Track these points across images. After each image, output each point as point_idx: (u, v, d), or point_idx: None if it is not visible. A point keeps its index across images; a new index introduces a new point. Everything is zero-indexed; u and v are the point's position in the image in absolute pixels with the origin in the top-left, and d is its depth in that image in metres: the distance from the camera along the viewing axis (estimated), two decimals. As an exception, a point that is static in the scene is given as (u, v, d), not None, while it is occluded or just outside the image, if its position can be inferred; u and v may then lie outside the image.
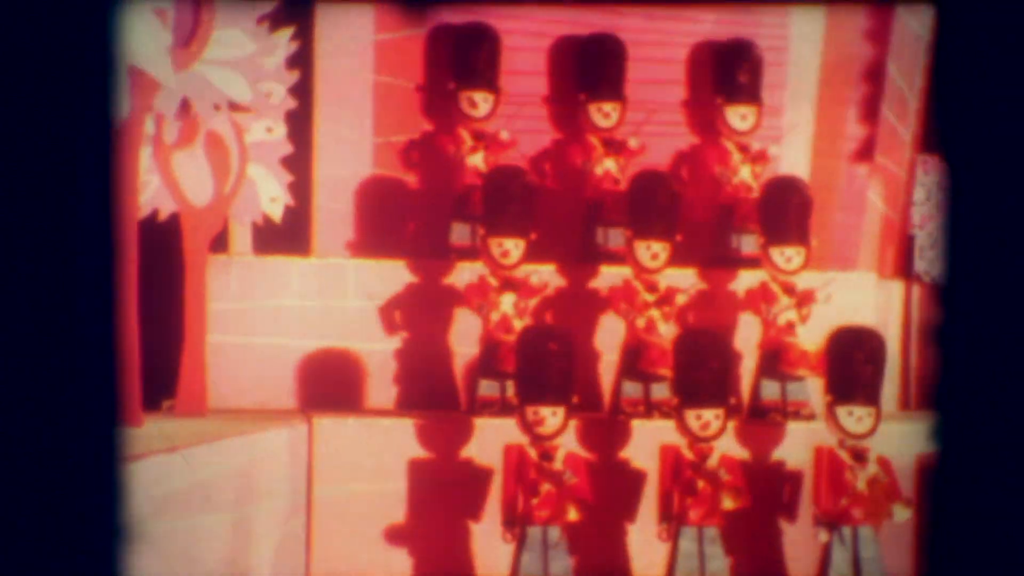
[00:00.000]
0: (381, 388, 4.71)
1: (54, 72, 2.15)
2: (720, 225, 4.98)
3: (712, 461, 4.12)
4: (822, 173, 5.12)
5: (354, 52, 4.93)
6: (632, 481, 4.37)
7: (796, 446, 4.40)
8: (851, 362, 4.14)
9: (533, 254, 4.48)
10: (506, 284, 4.44)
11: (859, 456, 4.13)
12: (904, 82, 5.15)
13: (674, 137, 5.11)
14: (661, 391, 4.42)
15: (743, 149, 5.00)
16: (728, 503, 4.09)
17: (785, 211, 4.58)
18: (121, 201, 2.22)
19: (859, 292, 4.92)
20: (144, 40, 3.96)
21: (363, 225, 4.95)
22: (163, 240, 4.40)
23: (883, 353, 4.18)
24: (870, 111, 5.15)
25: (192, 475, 3.73)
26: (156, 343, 4.21)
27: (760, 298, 4.57)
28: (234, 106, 4.43)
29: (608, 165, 4.92)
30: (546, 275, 4.63)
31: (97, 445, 2.18)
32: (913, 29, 5.10)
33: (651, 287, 4.50)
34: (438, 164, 4.91)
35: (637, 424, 4.43)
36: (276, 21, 4.49)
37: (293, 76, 4.53)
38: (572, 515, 4.00)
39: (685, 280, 4.67)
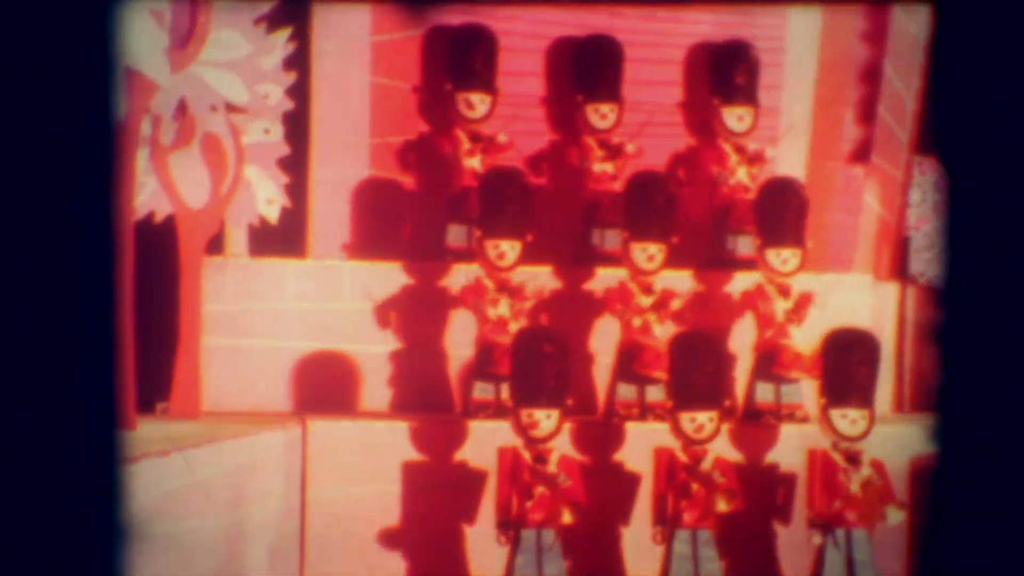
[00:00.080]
0: (376, 390, 4.71)
1: (53, 73, 2.15)
2: (716, 226, 4.97)
3: (706, 464, 4.12)
4: (819, 174, 5.12)
5: (351, 53, 4.93)
6: (626, 484, 4.36)
7: (790, 449, 4.40)
8: (846, 365, 4.14)
9: (529, 256, 4.48)
10: (502, 289, 4.43)
11: (853, 459, 4.13)
12: (901, 83, 5.15)
13: (670, 138, 5.10)
14: (656, 394, 4.42)
15: (740, 150, 4.99)
16: (722, 506, 4.09)
17: (781, 212, 4.57)
18: (119, 202, 2.22)
19: (855, 294, 4.91)
20: (141, 41, 3.96)
21: (359, 227, 4.94)
22: (159, 242, 4.39)
23: (878, 356, 4.18)
24: (867, 112, 5.14)
25: (187, 477, 3.73)
26: (151, 345, 4.21)
27: (756, 300, 4.57)
28: (231, 107, 4.43)
29: (605, 166, 4.92)
30: (542, 278, 4.63)
31: (96, 446, 2.18)
32: (910, 30, 5.10)
33: (647, 289, 4.50)
34: (435, 165, 4.90)
35: (631, 427, 4.42)
36: (273, 22, 4.49)
37: (290, 77, 4.52)
38: (566, 518, 4.00)
39: (681, 282, 4.67)
